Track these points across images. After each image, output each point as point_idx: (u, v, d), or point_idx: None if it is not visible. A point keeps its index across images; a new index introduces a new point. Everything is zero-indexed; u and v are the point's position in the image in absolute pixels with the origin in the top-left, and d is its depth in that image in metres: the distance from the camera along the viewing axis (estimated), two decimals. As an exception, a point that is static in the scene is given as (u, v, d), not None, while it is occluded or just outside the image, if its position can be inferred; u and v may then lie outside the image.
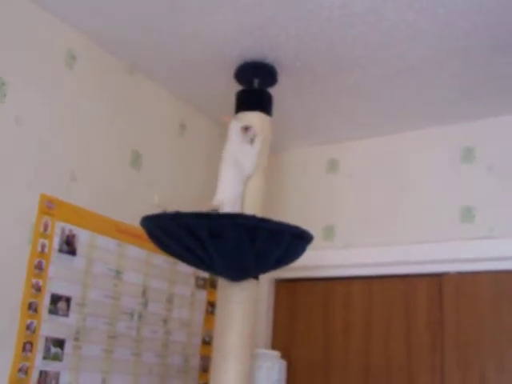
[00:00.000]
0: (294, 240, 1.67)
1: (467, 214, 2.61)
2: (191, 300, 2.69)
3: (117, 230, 2.36)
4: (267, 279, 3.03)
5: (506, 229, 2.51)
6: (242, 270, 1.75)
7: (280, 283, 3.08)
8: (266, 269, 1.77)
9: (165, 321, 2.53)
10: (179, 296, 2.63)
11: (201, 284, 2.75)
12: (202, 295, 2.76)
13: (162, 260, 2.54)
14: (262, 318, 2.98)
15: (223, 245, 1.59)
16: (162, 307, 2.53)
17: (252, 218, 1.55)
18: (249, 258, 1.67)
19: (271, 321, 3.03)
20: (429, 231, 2.67)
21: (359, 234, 2.84)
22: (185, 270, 2.66)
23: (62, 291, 2.12)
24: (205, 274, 2.76)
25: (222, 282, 2.03)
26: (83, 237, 2.22)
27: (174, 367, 2.56)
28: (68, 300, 2.14)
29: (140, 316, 2.42)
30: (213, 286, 2.77)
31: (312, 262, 2.91)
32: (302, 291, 3.02)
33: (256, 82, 2.25)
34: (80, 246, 2.20)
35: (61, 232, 2.14)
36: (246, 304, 1.99)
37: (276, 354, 2.31)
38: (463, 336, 2.54)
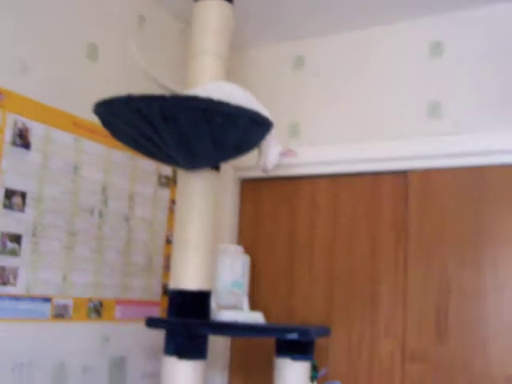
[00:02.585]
0: (252, 125, 1.60)
1: (434, 110, 2.56)
2: (154, 198, 2.65)
3: (73, 125, 2.27)
4: (232, 179, 2.99)
5: (472, 124, 2.48)
6: (198, 157, 1.69)
7: (245, 182, 3.05)
8: (223, 156, 1.71)
9: (127, 219, 2.49)
10: (141, 194, 2.57)
11: (164, 182, 2.70)
12: (165, 193, 2.71)
13: (122, 156, 2.48)
14: (227, 217, 2.96)
15: (177, 129, 1.52)
16: (124, 205, 2.48)
17: (207, 100, 1.48)
18: (204, 143, 1.60)
19: (236, 220, 3.01)
20: (395, 128, 2.63)
21: (325, 131, 2.79)
22: (147, 167, 2.60)
23: (17, 186, 2.05)
24: (168, 172, 2.71)
25: (181, 173, 1.98)
26: (37, 130, 2.13)
27: (137, 266, 2.54)
28: (23, 195, 2.07)
29: (100, 213, 2.37)
30: (176, 184, 2.72)
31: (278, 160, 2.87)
32: (267, 190, 2.99)
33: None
34: (34, 140, 2.12)
35: (13, 124, 2.05)
36: (206, 196, 1.95)
37: (240, 249, 2.29)
38: (427, 232, 2.54)
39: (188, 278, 1.91)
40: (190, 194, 1.95)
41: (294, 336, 1.76)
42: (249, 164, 2.95)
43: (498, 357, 2.34)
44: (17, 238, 2.04)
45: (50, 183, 2.16)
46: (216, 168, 1.99)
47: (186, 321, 1.87)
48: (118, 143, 2.37)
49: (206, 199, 1.95)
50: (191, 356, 1.88)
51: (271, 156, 1.97)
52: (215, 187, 1.99)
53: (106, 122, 1.66)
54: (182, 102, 1.45)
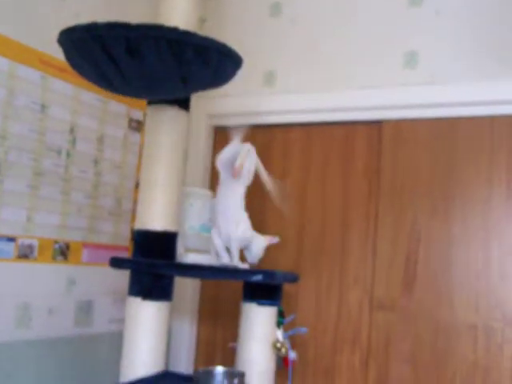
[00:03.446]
0: (222, 59, 1.56)
1: (411, 60, 2.53)
2: (124, 142, 2.60)
3: (40, 62, 2.20)
4: (205, 126, 2.95)
5: (448, 76, 2.45)
6: (163, 93, 1.64)
7: (219, 130, 3.00)
8: (191, 89, 1.67)
9: (95, 161, 2.44)
10: (111, 137, 2.52)
11: (134, 126, 2.65)
12: (136, 138, 2.66)
13: (91, 98, 2.42)
14: (199, 165, 2.92)
15: (142, 62, 1.47)
16: (92, 147, 2.43)
17: (174, 30, 1.43)
18: (173, 81, 1.56)
19: (209, 168, 2.98)
20: (370, 77, 2.59)
21: (300, 79, 2.75)
22: (117, 110, 2.54)
23: (-20, 121, 2.00)
24: (139, 116, 2.66)
25: (149, 111, 1.94)
26: (1, 65, 2.06)
27: (106, 209, 2.50)
28: (-13, 131, 2.02)
29: (68, 154, 2.32)
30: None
31: (252, 108, 2.84)
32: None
33: None
34: (-1, 75, 2.06)
35: (-24, 57, 1.99)
36: (174, 135, 1.91)
37: (209, 193, 2.25)
38: (399, 183, 2.53)
39: (154, 219, 1.89)
40: (158, 132, 1.91)
41: (258, 278, 1.74)
42: (222, 112, 2.93)
43: (463, 306, 2.36)
44: (-20, 175, 2.00)
45: (15, 120, 2.11)
46: (185, 108, 1.95)
47: (151, 261, 1.85)
48: (88, 84, 2.33)
49: (174, 138, 1.92)
50: (156, 297, 1.87)
51: (258, 252, 2.03)
52: (184, 127, 1.95)
53: (68, 54, 1.60)
54: (148, 30, 1.40)
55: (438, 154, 2.48)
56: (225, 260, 2.02)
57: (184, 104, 1.96)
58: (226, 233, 1.96)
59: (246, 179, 1.99)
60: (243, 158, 1.98)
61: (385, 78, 2.57)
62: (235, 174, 1.96)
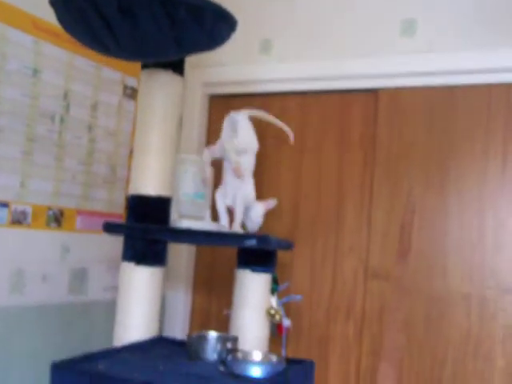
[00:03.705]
0: (216, 21, 1.53)
1: (408, 28, 2.50)
2: (118, 109, 2.57)
3: (33, 26, 2.17)
4: (201, 94, 2.93)
5: (446, 43, 2.43)
6: (159, 54, 1.62)
7: (214, 99, 2.98)
8: (185, 51, 1.64)
9: (89, 128, 2.42)
10: (105, 104, 2.50)
11: (129, 93, 2.62)
12: (131, 105, 2.64)
13: (85, 64, 2.39)
14: (194, 134, 2.90)
15: (135, 22, 1.44)
16: (87, 113, 2.41)
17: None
18: (165, 38, 1.53)
19: (205, 138, 2.96)
20: (367, 45, 2.57)
21: (296, 48, 2.72)
22: (111, 76, 2.52)
23: (-28, 85, 1.97)
24: (134, 83, 2.63)
25: (144, 76, 1.91)
26: (-6, 28, 2.04)
27: (100, 177, 2.49)
28: (-21, 95, 1.99)
29: (62, 120, 2.30)
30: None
31: (248, 77, 2.82)
32: (236, 107, 2.91)
33: None
34: (-10, 38, 2.03)
35: (-33, 19, 1.95)
36: (168, 99, 1.89)
37: (204, 159, 2.23)
38: (394, 152, 2.52)
39: (148, 184, 1.88)
40: (152, 97, 1.89)
41: (252, 242, 1.74)
42: (218, 80, 2.90)
43: (457, 276, 2.36)
44: (-28, 139, 1.98)
45: (7, 84, 2.08)
46: (179, 73, 1.92)
47: (144, 226, 1.84)
48: (82, 49, 2.31)
49: (168, 103, 1.90)
50: (149, 262, 1.87)
51: (257, 219, 2.08)
52: (178, 92, 1.93)
53: (60, 15, 1.58)
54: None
55: (435, 123, 2.47)
56: (223, 222, 2.02)
57: (178, 68, 1.94)
58: (233, 190, 1.97)
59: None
60: (234, 157, 2.01)
61: (382, 47, 2.54)
62: (238, 174, 2.01)
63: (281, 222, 2.71)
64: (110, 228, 1.88)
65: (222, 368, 1.61)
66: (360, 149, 2.62)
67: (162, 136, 1.87)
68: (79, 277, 2.40)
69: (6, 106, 2.08)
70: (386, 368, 2.43)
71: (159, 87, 1.90)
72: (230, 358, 1.61)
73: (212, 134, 2.96)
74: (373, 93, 2.60)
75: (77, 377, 1.44)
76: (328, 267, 2.61)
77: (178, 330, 2.80)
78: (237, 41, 2.85)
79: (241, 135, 2.04)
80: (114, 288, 2.53)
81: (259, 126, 2.83)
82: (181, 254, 2.85)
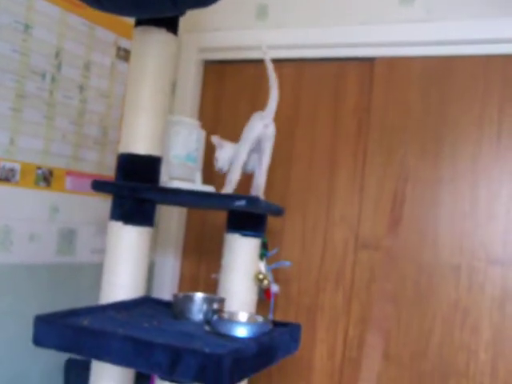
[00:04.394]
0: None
1: (407, -5, 2.47)
2: (111, 70, 2.54)
3: (25, -20, 2.13)
4: (195, 60, 2.89)
5: (444, 13, 2.40)
6: (151, 7, 1.58)
7: (209, 65, 2.95)
8: (178, 6, 1.61)
9: (81, 88, 2.39)
10: (98, 64, 2.46)
11: (122, 55, 2.59)
12: (124, 67, 2.60)
13: (78, 22, 2.35)
14: (188, 100, 2.87)
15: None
16: (78, 73, 2.37)
17: None
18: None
19: (198, 104, 2.93)
20: (366, 13, 2.53)
21: (293, 14, 2.68)
22: (104, 37, 2.48)
23: (-39, 37, 1.94)
24: (127, 45, 2.59)
25: (136, 32, 1.88)
26: (-16, -20, 2.00)
27: (91, 138, 2.46)
28: (-32, 48, 1.96)
29: (53, 78, 2.26)
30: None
31: (243, 43, 2.78)
32: (231, 74, 2.90)
33: None
34: (-19, -9, 1.99)
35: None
36: (161, 58, 1.86)
37: (196, 122, 2.21)
38: (389, 122, 2.50)
39: (138, 142, 1.85)
40: (145, 54, 1.86)
41: (241, 203, 1.72)
42: (213, 46, 2.86)
43: (447, 247, 2.35)
44: (-40, 93, 1.94)
45: (-3, 39, 2.05)
46: (173, 31, 1.89)
47: (133, 184, 1.82)
48: (75, 7, 2.27)
49: (161, 62, 1.86)
50: (137, 222, 1.85)
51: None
52: (171, 51, 1.90)
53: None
54: None
55: (431, 93, 2.44)
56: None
57: (172, 27, 1.90)
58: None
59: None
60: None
61: (380, 15, 2.51)
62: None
63: (272, 190, 2.70)
64: (98, 186, 1.86)
65: (207, 327, 1.60)
66: (354, 117, 2.60)
67: (153, 95, 1.84)
68: (67, 238, 2.38)
69: (-4, 61, 2.04)
70: (374, 337, 2.43)
71: (152, 45, 1.86)
72: (215, 318, 1.60)
73: (205, 99, 2.93)
74: (369, 61, 2.57)
75: (60, 330, 1.43)
76: (318, 236, 2.60)
77: (167, 295, 2.79)
78: (233, 5, 2.82)
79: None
80: (102, 251, 2.51)
81: (254, 93, 2.81)
82: (171, 219, 2.84)
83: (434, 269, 2.36)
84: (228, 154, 1.99)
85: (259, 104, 2.78)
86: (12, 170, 2.12)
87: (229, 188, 1.94)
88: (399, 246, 2.43)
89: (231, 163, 1.97)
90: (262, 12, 2.76)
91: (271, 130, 1.93)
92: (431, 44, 2.43)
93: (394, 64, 2.51)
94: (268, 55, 1.97)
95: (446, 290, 2.34)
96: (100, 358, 1.40)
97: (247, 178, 2.05)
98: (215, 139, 2.00)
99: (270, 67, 1.96)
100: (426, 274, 2.37)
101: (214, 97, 2.92)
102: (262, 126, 1.92)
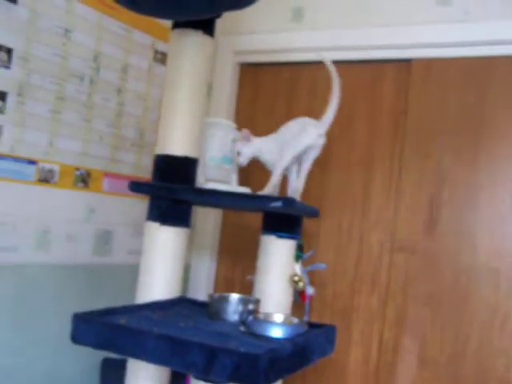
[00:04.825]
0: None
1: (445, -4, 2.45)
2: (148, 73, 2.57)
3: (65, -16, 2.17)
4: (231, 63, 2.90)
5: (483, 12, 2.37)
6: (188, 10, 1.60)
7: (244, 67, 2.96)
8: (215, 8, 1.62)
9: (119, 90, 2.42)
10: (135, 67, 2.49)
11: (159, 58, 2.61)
12: (161, 70, 2.62)
13: (116, 26, 2.38)
14: (224, 102, 2.89)
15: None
16: (116, 76, 2.40)
17: None
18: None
19: (234, 106, 2.94)
20: (402, 14, 2.52)
21: (329, 16, 2.68)
22: (142, 40, 2.51)
23: (2, 41, 1.97)
24: (164, 48, 2.62)
25: (173, 35, 1.89)
26: (25, -15, 2.03)
27: (128, 140, 2.49)
28: (9, 51, 1.99)
29: (91, 81, 2.29)
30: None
31: (279, 45, 2.79)
32: (266, 76, 2.90)
33: None
34: (22, -5, 2.03)
35: (-2, -25, 1.95)
36: (197, 60, 1.87)
37: (232, 124, 2.22)
38: (426, 124, 2.48)
39: (174, 143, 1.86)
40: (182, 57, 1.87)
41: (278, 204, 1.72)
42: (249, 48, 2.87)
43: (486, 250, 2.32)
44: (1, 95, 1.98)
45: (38, 43, 2.08)
46: (210, 34, 1.90)
47: (169, 185, 1.84)
48: (113, 11, 2.30)
49: (197, 64, 1.87)
50: (174, 222, 1.86)
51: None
52: (208, 53, 1.91)
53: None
54: None
55: (469, 95, 2.42)
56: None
57: (209, 29, 1.91)
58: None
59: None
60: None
61: (417, 15, 2.49)
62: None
63: (307, 193, 2.68)
64: (135, 187, 1.88)
65: (242, 328, 1.60)
66: (390, 120, 2.58)
67: (190, 97, 1.85)
68: (104, 239, 2.41)
69: (37, 64, 2.08)
70: (409, 341, 2.40)
71: (189, 47, 1.88)
72: (250, 318, 1.60)
73: (241, 101, 2.94)
74: (406, 63, 2.55)
75: (97, 328, 1.45)
76: (354, 238, 2.59)
77: (202, 296, 2.80)
78: (269, 8, 2.83)
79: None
80: (139, 252, 2.53)
81: (290, 96, 2.81)
82: (207, 221, 2.85)
83: (471, 272, 2.33)
84: (251, 150, 1.99)
85: (294, 106, 2.78)
86: (51, 171, 2.16)
87: (269, 190, 1.93)
88: (436, 248, 2.40)
89: (259, 160, 1.99)
90: (297, 14, 2.76)
91: (322, 141, 1.93)
92: (469, 44, 2.40)
93: (432, 65, 2.49)
94: (333, 67, 1.95)
95: (485, 294, 2.30)
96: (136, 356, 1.41)
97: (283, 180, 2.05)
98: (245, 132, 2.00)
99: (336, 81, 1.95)
100: (463, 277, 2.34)
101: (250, 99, 2.93)
102: (316, 136, 1.92)
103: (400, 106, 2.56)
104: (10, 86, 2.00)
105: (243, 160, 1.99)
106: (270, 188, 1.93)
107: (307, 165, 1.96)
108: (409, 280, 2.44)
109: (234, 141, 2.10)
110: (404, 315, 2.43)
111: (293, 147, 1.90)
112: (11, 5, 1.99)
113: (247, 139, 1.99)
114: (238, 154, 2.00)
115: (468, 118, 2.40)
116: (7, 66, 1.99)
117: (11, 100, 2.01)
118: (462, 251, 2.35)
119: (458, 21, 2.40)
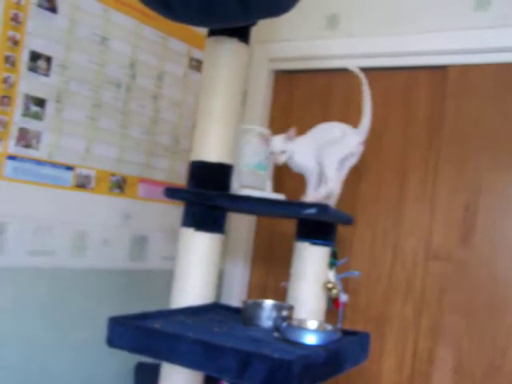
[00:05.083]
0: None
1: (481, 2, 2.42)
2: (184, 81, 2.59)
3: (103, -7, 2.21)
4: (266, 70, 2.91)
5: (521, 19, 2.34)
6: (223, 17, 1.61)
7: (279, 75, 2.97)
8: (250, 15, 1.63)
9: (154, 97, 2.45)
10: (171, 74, 2.52)
11: (194, 65, 2.64)
12: (196, 77, 2.65)
13: (153, 34, 2.41)
14: (259, 109, 2.90)
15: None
16: (152, 83, 2.44)
17: None
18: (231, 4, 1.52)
19: (268, 113, 2.95)
20: (439, 20, 2.50)
21: (363, 23, 2.67)
22: (177, 48, 2.54)
23: (42, 49, 2.01)
24: (199, 56, 2.64)
25: (209, 43, 1.91)
26: (64, -5, 2.08)
27: (163, 147, 2.51)
28: (49, 60, 2.04)
29: (128, 88, 2.33)
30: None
31: (313, 53, 2.79)
32: (301, 83, 2.91)
33: None
34: (61, 5, 2.06)
35: (39, -15, 1.99)
36: (232, 67, 1.88)
37: (267, 130, 2.22)
38: (461, 131, 2.45)
39: (209, 150, 1.87)
40: (217, 64, 1.88)
41: (312, 211, 1.72)
42: (283, 56, 2.88)
43: (524, 259, 2.29)
44: (40, 102, 2.02)
45: (76, 51, 2.12)
46: (245, 41, 1.91)
47: (204, 191, 1.85)
48: (149, 19, 2.33)
49: (233, 71, 1.89)
50: (209, 228, 1.87)
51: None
52: (243, 60, 1.92)
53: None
54: None
55: (505, 101, 2.39)
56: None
57: (244, 37, 1.93)
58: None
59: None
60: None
61: (454, 21, 2.47)
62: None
63: (341, 201, 2.67)
64: (170, 193, 1.90)
65: (276, 334, 1.60)
66: (425, 126, 2.56)
67: (225, 104, 1.87)
68: (139, 244, 2.43)
69: (75, 72, 2.12)
70: (444, 351, 2.38)
71: (224, 55, 1.89)
72: (284, 325, 1.60)
73: (275, 108, 2.95)
74: (441, 69, 2.53)
75: (132, 331, 1.46)
76: (388, 246, 2.57)
77: (235, 303, 2.81)
78: (304, 16, 2.83)
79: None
80: (173, 258, 2.55)
81: (324, 103, 2.81)
82: (241, 227, 2.86)
83: (508, 281, 2.29)
84: (293, 149, 2.00)
85: (328, 113, 2.78)
86: (87, 177, 2.19)
87: (314, 197, 1.93)
88: (472, 257, 2.37)
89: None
90: (332, 21, 2.76)
91: (361, 149, 1.93)
92: (506, 50, 2.37)
93: (468, 71, 2.47)
94: (363, 76, 1.96)
95: (522, 304, 2.27)
96: (171, 360, 1.42)
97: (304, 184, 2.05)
98: (292, 131, 2.00)
99: (366, 87, 1.96)
100: (500, 286, 2.31)
101: (284, 106, 2.94)
102: (357, 144, 1.93)
103: (435, 112, 2.54)
104: (48, 93, 2.04)
105: (285, 159, 2.00)
106: (314, 196, 1.93)
107: (345, 171, 1.96)
108: (444, 289, 2.41)
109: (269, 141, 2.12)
110: (439, 325, 2.41)
111: (336, 153, 1.91)
112: (51, 14, 2.03)
113: (290, 139, 2.00)
114: (282, 152, 2.00)
115: (505, 125, 2.37)
116: (46, 74, 2.03)
117: (50, 107, 2.05)
118: (498, 260, 2.32)
119: (496, 26, 2.38)
